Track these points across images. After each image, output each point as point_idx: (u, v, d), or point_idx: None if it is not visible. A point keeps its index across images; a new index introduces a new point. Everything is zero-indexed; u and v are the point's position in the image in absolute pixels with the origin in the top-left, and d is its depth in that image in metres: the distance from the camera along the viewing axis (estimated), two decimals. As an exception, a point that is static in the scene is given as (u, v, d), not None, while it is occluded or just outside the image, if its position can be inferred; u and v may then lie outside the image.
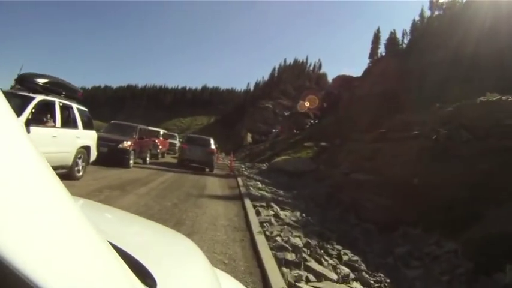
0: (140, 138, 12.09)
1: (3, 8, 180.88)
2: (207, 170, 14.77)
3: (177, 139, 24.94)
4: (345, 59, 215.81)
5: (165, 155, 19.64)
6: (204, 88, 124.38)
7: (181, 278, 0.89)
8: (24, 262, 0.34)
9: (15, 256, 0.33)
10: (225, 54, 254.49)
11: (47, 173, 0.44)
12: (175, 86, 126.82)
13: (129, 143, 10.90)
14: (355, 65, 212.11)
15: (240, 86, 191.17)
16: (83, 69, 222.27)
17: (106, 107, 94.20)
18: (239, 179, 12.27)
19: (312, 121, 47.69)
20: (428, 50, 22.19)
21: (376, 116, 18.41)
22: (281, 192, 10.71)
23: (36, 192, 0.41)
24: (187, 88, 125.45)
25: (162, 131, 19.02)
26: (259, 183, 12.09)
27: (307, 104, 63.56)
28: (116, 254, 0.52)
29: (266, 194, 9.47)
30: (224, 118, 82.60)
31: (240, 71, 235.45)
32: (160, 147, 17.10)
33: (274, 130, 52.28)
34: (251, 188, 10.08)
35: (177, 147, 22.56)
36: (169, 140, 21.88)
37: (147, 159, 13.46)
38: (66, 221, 0.44)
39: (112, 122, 13.41)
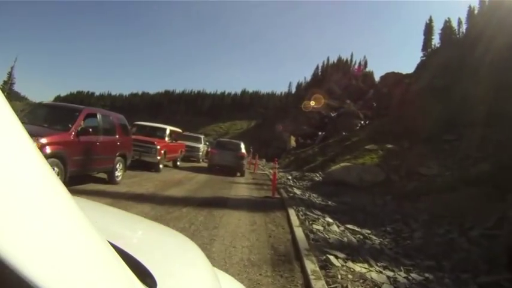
0: (84, 133, 6.08)
1: (44, 10, 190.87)
2: (238, 174, 14.45)
3: (202, 142, 19.17)
4: (392, 56, 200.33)
5: (178, 162, 14.03)
6: (244, 92, 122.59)
7: (181, 278, 0.88)
8: (24, 262, 0.34)
9: (15, 256, 0.34)
10: (265, 57, 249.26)
11: (47, 173, 0.44)
12: (213, 91, 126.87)
13: (43, 140, 4.92)
14: (402, 61, 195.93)
15: (280, 89, 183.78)
16: (121, 76, 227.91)
17: (143, 113, 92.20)
18: (292, 215, 5.95)
19: (362, 122, 43.76)
20: (494, 37, 19.94)
21: (450, 110, 16.21)
22: (371, 235, 6.23)
23: (36, 192, 0.41)
24: (226, 93, 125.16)
25: (168, 129, 12.81)
26: (329, 219, 6.27)
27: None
28: (116, 254, 0.53)
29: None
30: (265, 122, 78.58)
31: (280, 74, 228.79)
32: (162, 151, 11.05)
33: (320, 133, 46.29)
34: (331, 258, 3.69)
35: (200, 152, 17.16)
36: (188, 143, 15.96)
37: (117, 173, 7.46)
38: (66, 221, 0.45)
39: (43, 102, 7.68)
